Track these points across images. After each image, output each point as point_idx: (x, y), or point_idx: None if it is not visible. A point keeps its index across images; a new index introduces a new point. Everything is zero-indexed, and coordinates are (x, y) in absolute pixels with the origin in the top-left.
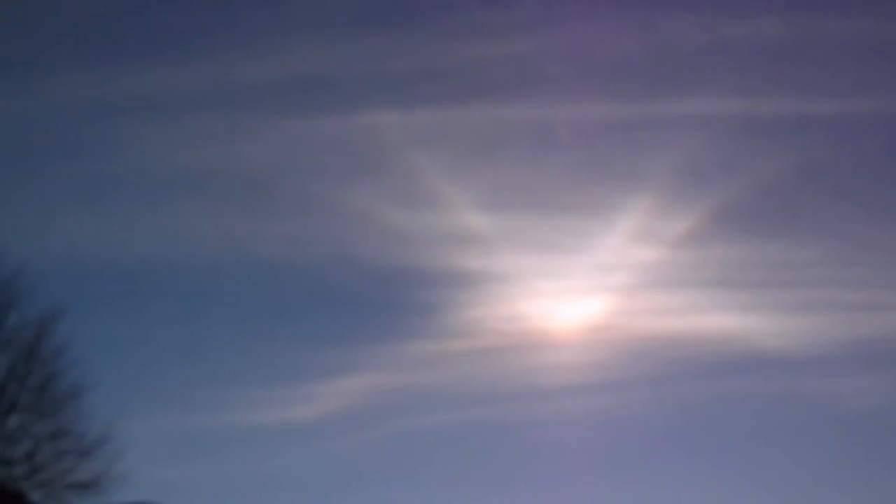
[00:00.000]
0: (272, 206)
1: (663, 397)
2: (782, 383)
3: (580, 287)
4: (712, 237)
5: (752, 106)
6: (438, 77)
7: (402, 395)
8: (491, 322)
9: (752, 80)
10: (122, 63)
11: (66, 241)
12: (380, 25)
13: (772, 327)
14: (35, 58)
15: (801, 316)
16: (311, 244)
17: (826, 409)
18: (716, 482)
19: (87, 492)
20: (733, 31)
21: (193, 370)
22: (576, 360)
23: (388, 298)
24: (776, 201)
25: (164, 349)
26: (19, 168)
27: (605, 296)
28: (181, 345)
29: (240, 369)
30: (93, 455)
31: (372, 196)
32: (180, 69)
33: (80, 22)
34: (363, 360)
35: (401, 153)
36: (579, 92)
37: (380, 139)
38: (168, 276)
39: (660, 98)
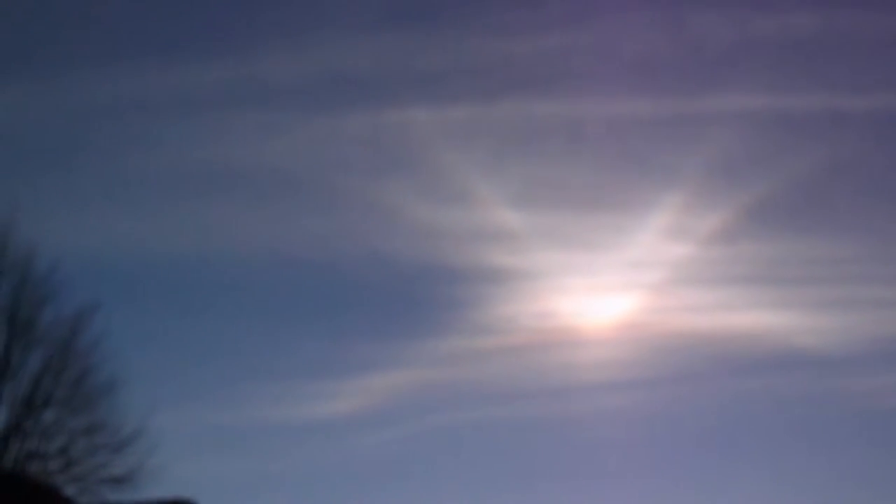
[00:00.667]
0: (303, 203)
1: (695, 394)
2: (816, 381)
3: (612, 284)
4: (744, 234)
5: (783, 102)
6: (469, 74)
7: (433, 391)
8: (522, 319)
9: (783, 77)
10: (155, 62)
11: (100, 238)
12: (410, 22)
13: (805, 324)
14: (68, 57)
15: (835, 313)
16: (341, 240)
17: (860, 405)
18: (748, 479)
19: (121, 486)
20: (764, 26)
21: (225, 366)
22: (607, 356)
23: (418, 295)
24: (808, 198)
25: (196, 345)
26: (54, 165)
27: (637, 293)
28: (213, 340)
29: (270, 365)
30: (127, 450)
31: (403, 192)
32: (212, 67)
33: (113, 21)
34: (394, 357)
35: (432, 150)
36: (610, 88)
37: (411, 136)
38: (200, 272)
39: (691, 95)
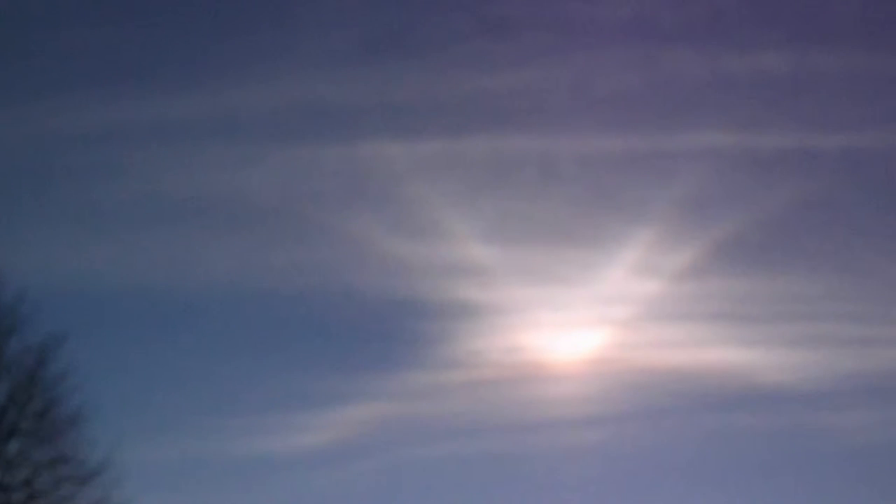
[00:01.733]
0: (274, 235)
1: (664, 431)
2: (785, 417)
3: (581, 319)
4: (714, 270)
5: (754, 139)
6: (442, 107)
7: (402, 425)
8: (491, 353)
9: (754, 114)
10: (126, 90)
11: (67, 267)
12: (384, 55)
13: (774, 361)
14: (36, 84)
15: (805, 350)
16: (311, 273)
17: (830, 443)
18: None
19: None
20: (735, 65)
21: (192, 398)
22: (576, 392)
23: (387, 328)
24: (779, 235)
25: (163, 376)
26: (22, 194)
27: (607, 328)
28: (181, 372)
29: (238, 398)
30: (92, 483)
31: (374, 226)
32: (184, 96)
33: (84, 48)
34: (362, 390)
35: (404, 183)
36: (583, 124)
37: (383, 169)
38: (169, 304)
39: (662, 131)
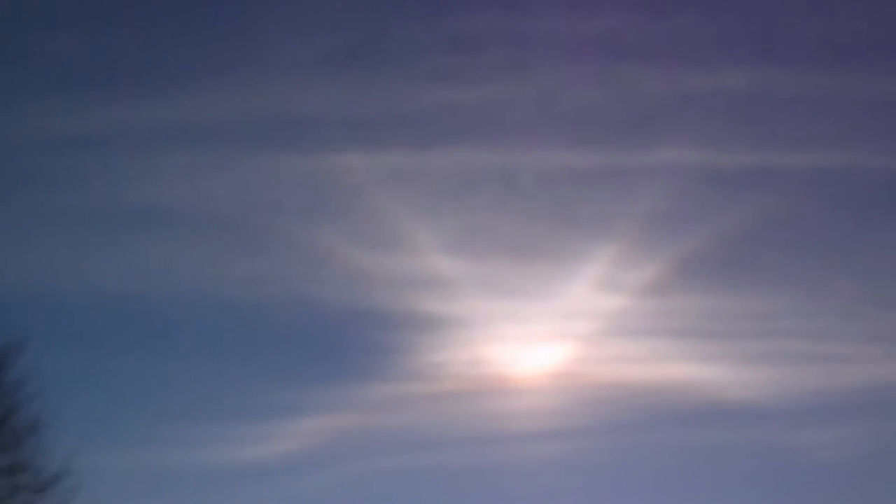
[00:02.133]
0: (234, 244)
1: (625, 446)
2: (745, 433)
3: (544, 333)
4: (677, 287)
5: (717, 157)
6: (406, 120)
7: (361, 437)
8: (452, 366)
9: (717, 132)
10: (87, 96)
11: (27, 273)
12: (348, 67)
13: (735, 378)
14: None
15: (765, 367)
16: (272, 283)
17: (789, 460)
18: None
19: None
20: (699, 82)
21: (152, 406)
22: (538, 406)
23: (349, 339)
24: (740, 253)
25: (122, 384)
26: None
27: (569, 343)
28: (140, 380)
29: (198, 407)
30: (49, 491)
31: (335, 237)
32: (146, 104)
33: (46, 54)
34: (322, 401)
35: (366, 195)
36: (546, 139)
37: (345, 180)
38: (129, 311)
39: (626, 147)
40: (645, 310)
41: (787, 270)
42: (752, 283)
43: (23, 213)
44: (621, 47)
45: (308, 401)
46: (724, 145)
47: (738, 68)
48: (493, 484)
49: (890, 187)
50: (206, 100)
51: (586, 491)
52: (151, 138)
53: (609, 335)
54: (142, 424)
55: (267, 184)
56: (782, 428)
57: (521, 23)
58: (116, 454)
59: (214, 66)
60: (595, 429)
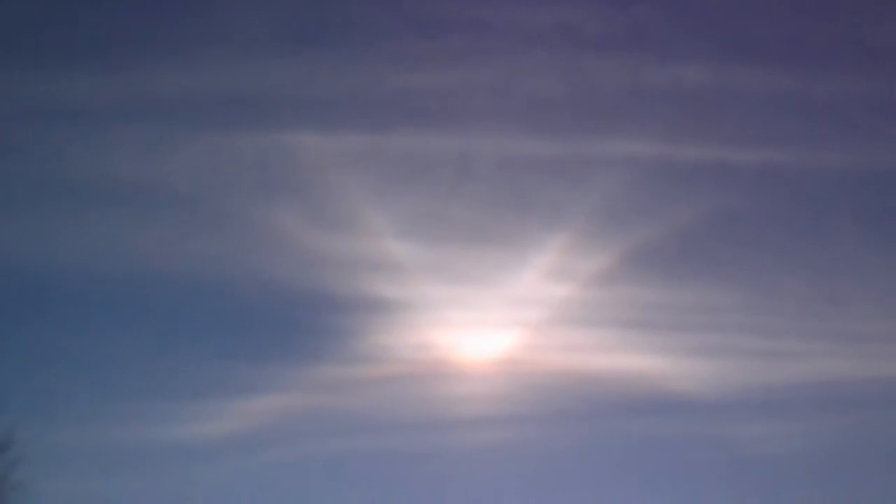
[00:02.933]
0: (188, 222)
1: (570, 434)
2: (688, 425)
3: (492, 320)
4: (626, 278)
5: (672, 151)
6: (362, 102)
7: (307, 418)
8: (400, 350)
9: (673, 126)
10: (41, 69)
11: None
12: (307, 48)
13: (680, 370)
14: None
15: (710, 360)
16: (224, 261)
17: (730, 452)
18: None
19: None
20: (656, 76)
21: (101, 382)
22: (484, 392)
23: (299, 320)
24: (691, 246)
25: (72, 359)
26: None
27: (516, 330)
28: (90, 356)
29: (147, 384)
30: None
31: (288, 217)
32: (101, 79)
33: None
34: (271, 381)
35: (320, 176)
36: (503, 127)
37: (300, 161)
38: (80, 286)
39: (582, 138)
40: (594, 300)
41: (737, 265)
42: (701, 277)
43: None
44: (581, 38)
45: (256, 381)
46: (679, 139)
47: (696, 63)
48: (438, 468)
49: (842, 185)
50: (163, 76)
51: (530, 478)
52: (107, 114)
53: (557, 324)
54: (90, 400)
55: (222, 162)
56: (726, 420)
57: (481, 10)
58: (65, 429)
59: (174, 42)
60: (540, 417)
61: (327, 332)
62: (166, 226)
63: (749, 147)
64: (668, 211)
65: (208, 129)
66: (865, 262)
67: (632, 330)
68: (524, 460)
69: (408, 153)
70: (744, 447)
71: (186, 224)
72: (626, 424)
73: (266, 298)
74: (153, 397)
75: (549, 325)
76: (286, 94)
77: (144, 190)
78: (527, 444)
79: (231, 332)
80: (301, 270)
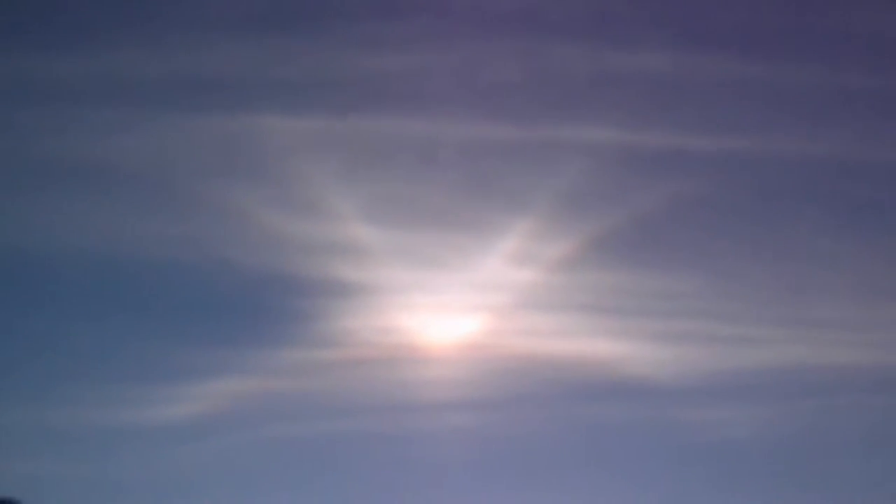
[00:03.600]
0: (151, 204)
1: (532, 418)
2: (650, 410)
3: (456, 304)
4: (589, 263)
5: (633, 138)
6: (325, 85)
7: (273, 401)
8: (364, 333)
9: (634, 112)
10: (4, 48)
11: None
12: (271, 30)
13: (642, 355)
14: None
15: (672, 345)
16: (188, 244)
17: (692, 436)
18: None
19: None
20: (618, 63)
21: (56, 365)
22: (447, 376)
23: (263, 303)
24: (652, 232)
25: (31, 342)
26: None
27: (480, 314)
28: (49, 339)
29: (105, 367)
30: None
31: (253, 200)
32: (67, 58)
33: None
34: (232, 365)
35: (284, 159)
36: (464, 111)
37: (263, 143)
38: (40, 269)
39: (544, 123)
40: (557, 284)
41: (698, 252)
42: (663, 263)
43: None
44: (544, 24)
45: (218, 364)
46: (641, 126)
47: (658, 50)
48: (402, 452)
49: (803, 172)
50: (124, 55)
51: (494, 462)
52: (65, 92)
53: (521, 308)
54: (45, 383)
55: (184, 143)
56: (688, 405)
57: None
58: (23, 412)
59: (138, 23)
60: (504, 401)
61: (291, 316)
62: (128, 208)
63: (711, 134)
64: (631, 197)
65: (171, 110)
66: (827, 248)
67: (595, 315)
68: (487, 444)
69: (371, 136)
70: (706, 432)
71: (149, 206)
72: (589, 408)
73: (230, 281)
74: (114, 381)
75: (513, 310)
76: (250, 77)
77: (106, 171)
78: (490, 428)
79: (194, 315)
80: (264, 253)
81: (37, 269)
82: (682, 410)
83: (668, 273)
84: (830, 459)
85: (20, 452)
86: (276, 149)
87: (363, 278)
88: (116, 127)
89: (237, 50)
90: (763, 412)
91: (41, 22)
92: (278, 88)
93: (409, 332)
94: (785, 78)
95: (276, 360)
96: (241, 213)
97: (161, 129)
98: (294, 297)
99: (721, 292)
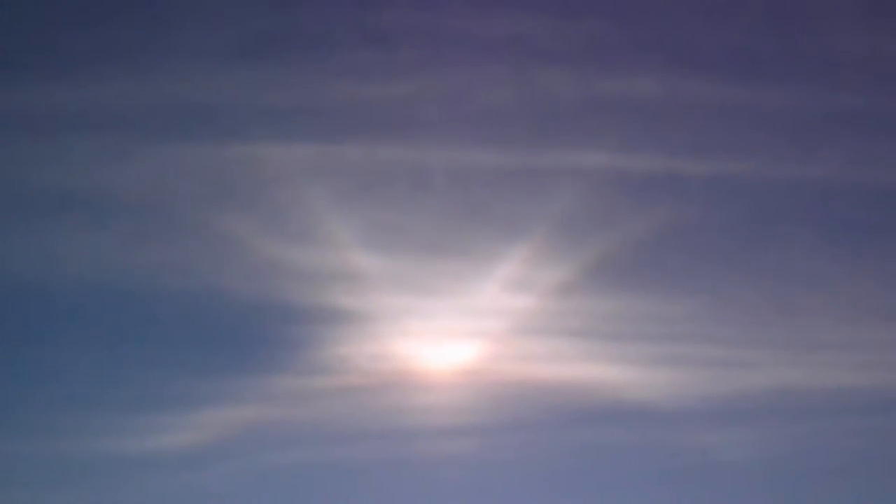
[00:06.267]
0: (142, 232)
1: (530, 443)
2: (646, 434)
3: (452, 330)
4: (584, 289)
5: (626, 163)
6: (316, 113)
7: (266, 429)
8: (359, 360)
9: (625, 138)
10: None
11: None
12: (262, 58)
13: (638, 379)
14: None
15: (666, 369)
16: (179, 272)
17: (688, 460)
18: None
19: None
20: (609, 87)
21: (52, 395)
22: (444, 402)
23: (255, 331)
24: (647, 257)
25: (25, 373)
26: None
27: (476, 340)
28: (43, 369)
29: (101, 396)
30: None
31: (244, 228)
32: (55, 87)
33: None
34: (227, 393)
35: (275, 186)
36: (456, 138)
37: (254, 171)
38: (34, 298)
39: (536, 149)
40: (552, 310)
41: (692, 276)
42: (658, 287)
43: None
44: (533, 50)
45: (213, 392)
46: (632, 150)
47: (650, 75)
48: (398, 479)
49: (794, 196)
50: (114, 85)
51: (490, 488)
52: (57, 122)
53: (516, 334)
54: (41, 413)
55: (174, 172)
56: (682, 429)
57: (433, 21)
58: (14, 441)
59: (124, 50)
60: (500, 426)
61: (285, 343)
62: (121, 237)
63: (704, 157)
64: (625, 221)
65: (163, 139)
66: (818, 272)
67: (590, 340)
68: (484, 470)
69: (362, 164)
70: (700, 455)
71: (141, 236)
72: (585, 433)
73: (222, 309)
74: (107, 410)
75: (508, 336)
76: (237, 104)
77: (98, 201)
78: (486, 454)
79: (187, 343)
80: (258, 281)
81: (27, 299)
82: (679, 434)
83: (662, 297)
84: (826, 482)
85: (15, 483)
86: (269, 176)
87: (358, 305)
88: (107, 156)
89: (229, 78)
90: (758, 435)
91: (29, 52)
92: (271, 116)
93: (404, 358)
94: (777, 101)
95: (270, 388)
96: (234, 240)
97: (153, 158)
98: (288, 324)
99: (715, 316)
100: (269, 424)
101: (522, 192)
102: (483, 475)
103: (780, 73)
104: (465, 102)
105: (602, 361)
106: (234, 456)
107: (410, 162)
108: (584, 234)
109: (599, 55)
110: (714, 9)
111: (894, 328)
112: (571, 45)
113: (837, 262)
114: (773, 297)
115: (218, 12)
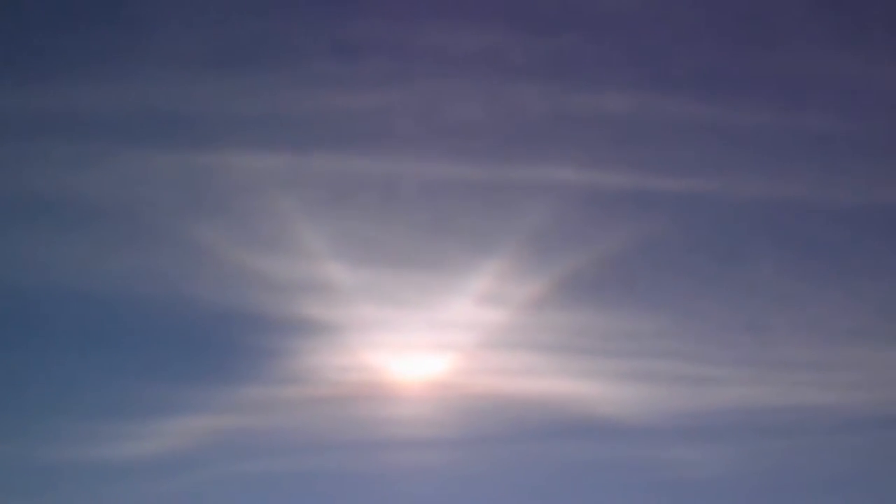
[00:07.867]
0: (109, 239)
1: (498, 457)
2: (615, 449)
3: (422, 342)
4: (553, 303)
5: (597, 178)
6: (286, 123)
7: (235, 439)
8: (329, 371)
9: (598, 154)
10: None
11: None
12: (235, 67)
13: (607, 394)
14: None
15: (637, 385)
16: (149, 280)
17: (657, 476)
18: None
19: None
20: (583, 104)
21: (21, 401)
22: (415, 414)
23: (225, 340)
24: (618, 272)
25: None
26: None
27: (447, 353)
28: (10, 374)
29: (70, 403)
30: None
31: (214, 237)
32: (25, 91)
33: None
34: (197, 402)
35: (244, 196)
36: (425, 151)
37: (223, 180)
38: (1, 303)
39: (506, 164)
40: (522, 324)
41: (661, 292)
42: (627, 303)
43: None
44: (505, 64)
45: (182, 401)
46: (605, 166)
47: (619, 92)
48: (367, 490)
49: (763, 213)
50: (84, 91)
51: (459, 501)
52: (26, 128)
53: (486, 347)
54: (10, 419)
55: (145, 179)
56: (653, 445)
57: (405, 34)
58: None
59: (95, 56)
60: (470, 440)
61: (255, 353)
62: (91, 244)
63: (674, 174)
64: (596, 237)
65: (133, 146)
66: (788, 289)
67: (559, 354)
68: (454, 483)
69: (333, 174)
70: (670, 471)
71: (111, 242)
72: (555, 448)
73: (192, 318)
74: (77, 417)
75: (478, 349)
76: (208, 113)
77: (68, 207)
78: (456, 467)
79: (157, 351)
80: (228, 290)
81: (1, 305)
82: (648, 450)
83: (633, 313)
84: (794, 500)
85: None
86: (241, 185)
87: (328, 316)
88: (77, 163)
89: (202, 86)
90: (728, 452)
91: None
92: (243, 125)
93: (374, 370)
94: (747, 120)
95: (240, 398)
96: (204, 249)
97: (123, 165)
98: (258, 334)
99: (686, 332)
100: (238, 434)
101: (493, 205)
102: (452, 488)
103: (751, 93)
104: (436, 115)
105: (572, 376)
106: (201, 465)
107: (382, 173)
108: (555, 249)
109: (571, 71)
110: (686, 27)
111: (862, 347)
112: (543, 61)
113: (806, 281)
114: (743, 315)
115: (190, 21)
